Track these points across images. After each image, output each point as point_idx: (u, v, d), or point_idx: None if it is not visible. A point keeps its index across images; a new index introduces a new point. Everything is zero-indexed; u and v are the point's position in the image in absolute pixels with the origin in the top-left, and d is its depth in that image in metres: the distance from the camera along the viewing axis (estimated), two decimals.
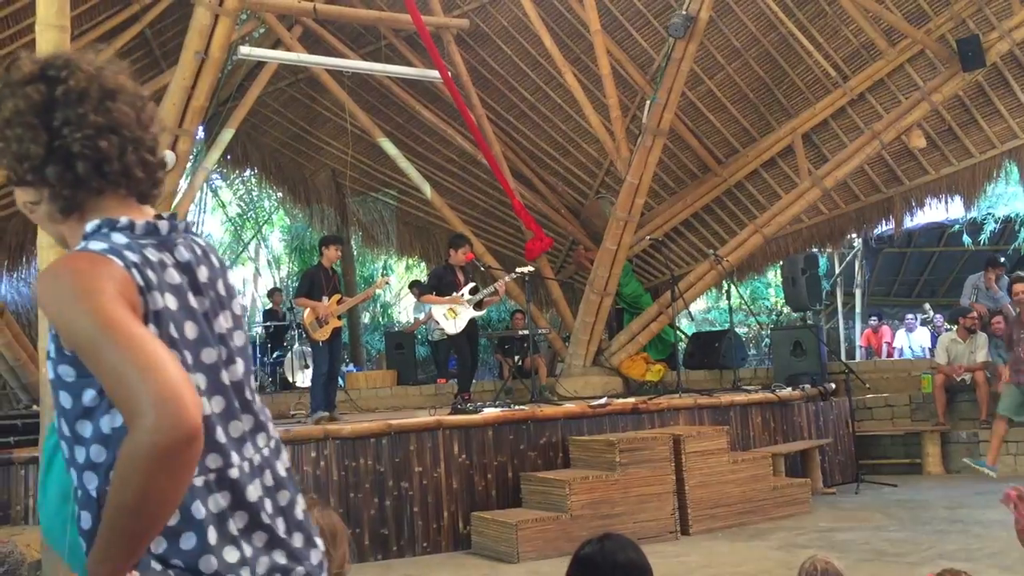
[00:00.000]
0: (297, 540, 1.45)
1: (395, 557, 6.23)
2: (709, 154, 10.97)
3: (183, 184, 9.44)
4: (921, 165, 10.07)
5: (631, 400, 7.67)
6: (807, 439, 8.27)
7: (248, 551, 1.36)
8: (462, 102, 10.15)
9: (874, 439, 9.11)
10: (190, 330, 1.37)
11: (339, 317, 7.89)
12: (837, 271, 15.66)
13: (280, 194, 13.59)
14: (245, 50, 9.55)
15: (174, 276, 1.37)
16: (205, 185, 16.10)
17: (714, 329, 14.85)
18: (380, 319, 18.85)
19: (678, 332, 10.81)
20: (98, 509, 1.30)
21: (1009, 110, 9.33)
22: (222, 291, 1.47)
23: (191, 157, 9.06)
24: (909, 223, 11.49)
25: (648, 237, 10.50)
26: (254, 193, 18.63)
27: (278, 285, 17.19)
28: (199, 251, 1.45)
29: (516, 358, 10.26)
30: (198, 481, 1.32)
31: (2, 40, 8.56)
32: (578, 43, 10.45)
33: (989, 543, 5.42)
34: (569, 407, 7.31)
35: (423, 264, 14.38)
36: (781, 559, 5.42)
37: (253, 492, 1.40)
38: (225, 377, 1.42)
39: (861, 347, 15.05)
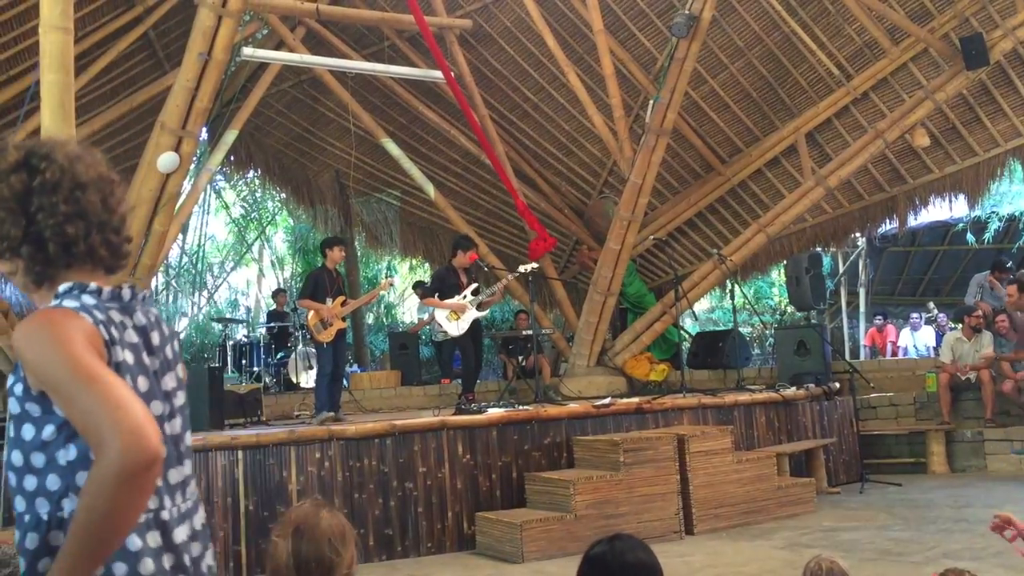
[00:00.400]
0: None
1: (399, 557, 6.23)
2: (712, 153, 10.97)
3: (187, 186, 9.45)
4: (925, 164, 10.06)
5: (635, 400, 7.65)
6: (811, 439, 8.26)
7: None
8: (465, 102, 10.15)
9: (879, 438, 9.09)
10: (143, 384, 1.56)
11: (343, 318, 7.90)
12: (841, 270, 15.63)
13: (284, 195, 13.59)
14: (248, 51, 9.56)
15: (132, 336, 1.57)
16: (209, 186, 16.11)
17: (718, 329, 14.83)
18: (384, 320, 18.87)
19: (682, 332, 10.79)
20: (46, 532, 1.46)
21: (1013, 108, 9.31)
22: (169, 355, 1.66)
23: (195, 159, 9.07)
24: (913, 222, 11.49)
25: (651, 237, 10.49)
26: (258, 194, 18.65)
27: (282, 286, 17.20)
28: (153, 319, 1.65)
29: (520, 358, 10.26)
30: (140, 517, 1.45)
31: (6, 42, 8.59)
32: (581, 43, 10.46)
33: (994, 542, 5.38)
34: (573, 407, 7.30)
35: (427, 265, 14.38)
36: (786, 559, 5.41)
37: (180, 535, 1.57)
38: (167, 429, 1.60)
39: (865, 346, 15.02)
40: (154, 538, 1.50)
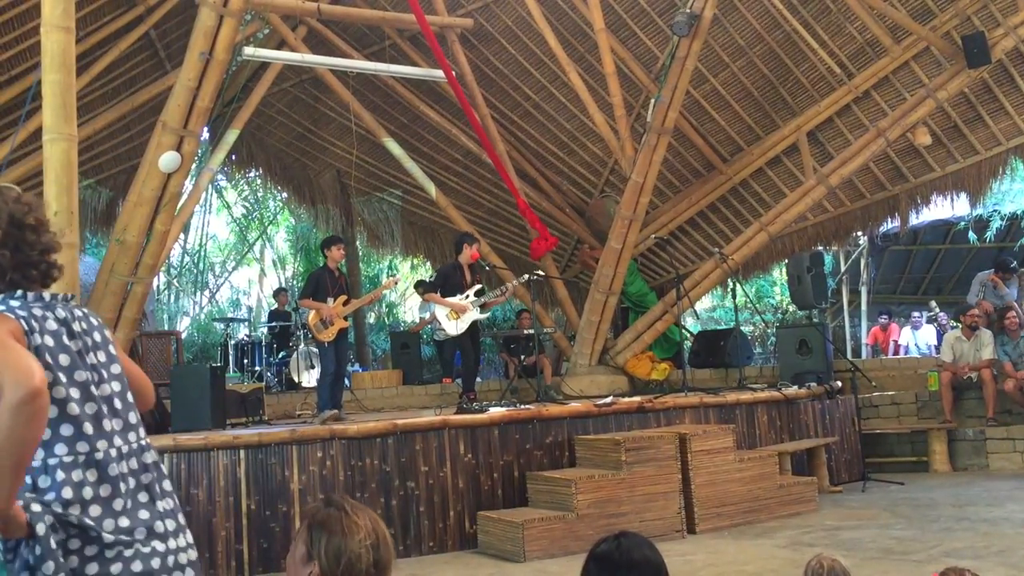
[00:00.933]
0: (161, 506, 2.15)
1: (401, 557, 6.22)
2: (714, 152, 10.96)
3: (188, 185, 9.46)
4: (927, 162, 10.06)
5: (637, 399, 7.65)
6: (813, 437, 8.26)
7: (105, 511, 2.02)
8: (466, 102, 10.15)
9: (880, 437, 9.09)
10: (64, 359, 2.08)
11: (345, 318, 7.89)
12: (843, 269, 15.63)
13: (285, 194, 13.61)
14: (249, 51, 9.56)
15: (52, 325, 2.10)
16: (210, 186, 16.13)
17: (719, 328, 14.83)
18: (385, 319, 18.88)
19: (683, 331, 10.79)
20: None
21: (1015, 107, 9.31)
22: (97, 338, 2.20)
23: (196, 158, 9.07)
24: (915, 220, 11.50)
25: (653, 236, 10.50)
26: (259, 194, 18.67)
27: (283, 285, 17.20)
28: (78, 313, 2.19)
29: (521, 357, 10.27)
30: (67, 458, 2.01)
31: (8, 42, 8.59)
32: (582, 42, 10.45)
33: (996, 541, 5.41)
34: (575, 406, 7.29)
35: (428, 264, 14.39)
36: (787, 558, 5.41)
37: (116, 469, 2.06)
38: (95, 391, 2.12)
39: (867, 345, 15.02)
40: (78, 474, 2.01)
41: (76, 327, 2.16)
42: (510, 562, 5.88)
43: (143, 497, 2.12)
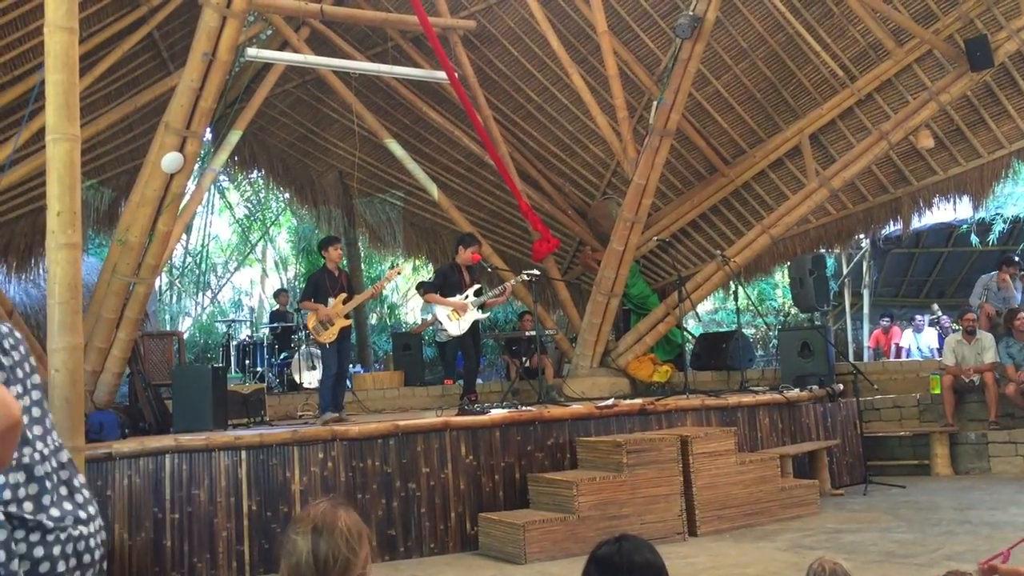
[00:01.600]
0: (78, 498, 2.38)
1: (402, 558, 6.24)
2: (716, 155, 10.96)
3: (191, 186, 9.46)
4: (929, 165, 10.05)
5: (638, 401, 7.65)
6: (815, 440, 8.26)
7: (37, 506, 2.25)
8: (469, 103, 10.15)
9: (882, 440, 9.09)
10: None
11: (347, 316, 7.89)
12: (845, 272, 15.61)
13: (287, 195, 13.59)
14: (252, 52, 9.56)
15: None
16: (212, 187, 16.15)
17: (721, 330, 14.82)
18: (387, 320, 18.89)
19: (685, 333, 10.79)
20: None
21: (1017, 110, 9.31)
22: (23, 351, 2.39)
23: (199, 159, 9.07)
24: (917, 223, 11.46)
25: (655, 238, 10.49)
26: (261, 194, 18.69)
27: (284, 286, 17.21)
28: (4, 329, 2.34)
29: (523, 359, 10.26)
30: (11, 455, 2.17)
31: (11, 42, 8.60)
32: (584, 44, 10.46)
33: (998, 544, 5.38)
34: (576, 408, 7.30)
35: (430, 265, 14.38)
36: (789, 560, 5.41)
37: (40, 470, 2.29)
38: (25, 400, 2.31)
39: (869, 348, 15.00)
40: (13, 477, 2.23)
41: (6, 344, 2.33)
42: (511, 564, 5.88)
43: (64, 491, 2.37)
